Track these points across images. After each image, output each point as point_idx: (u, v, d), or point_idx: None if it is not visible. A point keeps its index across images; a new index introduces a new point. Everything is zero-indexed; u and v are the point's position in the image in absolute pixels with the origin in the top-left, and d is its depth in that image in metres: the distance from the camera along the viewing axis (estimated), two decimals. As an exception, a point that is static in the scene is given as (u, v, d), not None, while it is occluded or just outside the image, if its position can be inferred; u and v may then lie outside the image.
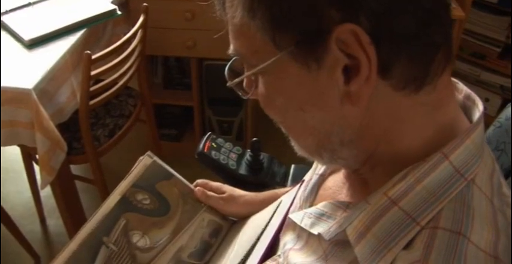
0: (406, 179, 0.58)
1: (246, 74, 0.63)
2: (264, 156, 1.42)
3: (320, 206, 0.71)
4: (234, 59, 0.69)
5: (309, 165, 0.90)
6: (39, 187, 2.07)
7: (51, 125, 1.80)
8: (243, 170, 1.37)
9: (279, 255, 0.78)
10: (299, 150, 0.69)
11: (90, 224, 0.89)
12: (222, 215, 1.04)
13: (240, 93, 0.70)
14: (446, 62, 0.58)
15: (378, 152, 0.62)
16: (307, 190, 0.83)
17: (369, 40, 0.52)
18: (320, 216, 0.70)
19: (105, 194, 2.20)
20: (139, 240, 0.93)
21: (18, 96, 1.74)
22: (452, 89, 0.64)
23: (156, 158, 0.96)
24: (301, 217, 0.75)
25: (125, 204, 0.93)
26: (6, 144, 1.87)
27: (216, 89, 2.62)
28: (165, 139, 2.84)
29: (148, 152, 0.96)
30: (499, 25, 2.62)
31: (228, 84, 0.69)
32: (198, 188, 1.03)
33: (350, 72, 0.55)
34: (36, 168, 2.46)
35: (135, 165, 0.96)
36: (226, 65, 0.71)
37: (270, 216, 0.92)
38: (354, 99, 0.56)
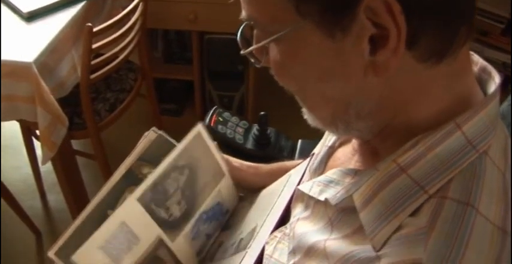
0: (417, 147, 0.57)
1: (263, 42, 0.60)
2: (271, 130, 1.41)
3: (329, 174, 0.71)
4: (244, 24, 0.67)
5: (316, 140, 0.89)
6: (40, 163, 2.05)
7: (52, 99, 1.78)
8: (250, 145, 1.36)
9: (286, 227, 0.78)
10: (313, 122, 0.67)
11: (95, 199, 0.88)
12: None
13: (253, 61, 0.67)
14: (469, 33, 0.57)
15: (393, 123, 0.61)
16: (316, 162, 0.82)
17: (401, 9, 0.50)
18: (328, 183, 0.70)
19: (106, 169, 2.21)
20: None
21: (18, 69, 1.71)
22: (470, 61, 0.63)
23: (161, 133, 0.95)
24: (310, 186, 0.74)
25: (130, 177, 0.92)
26: (5, 119, 1.85)
27: (217, 63, 2.60)
28: (165, 114, 2.83)
29: (153, 128, 0.95)
30: (503, 1, 2.59)
31: (241, 52, 0.66)
32: None
33: (376, 42, 0.53)
34: (36, 143, 2.44)
35: (140, 141, 0.94)
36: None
37: (280, 190, 0.91)
38: (379, 70, 0.55)
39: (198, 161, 0.92)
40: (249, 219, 0.94)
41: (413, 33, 0.52)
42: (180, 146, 0.87)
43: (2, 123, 2.04)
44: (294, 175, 0.92)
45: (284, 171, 0.98)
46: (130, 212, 0.82)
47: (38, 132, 1.86)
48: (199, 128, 0.91)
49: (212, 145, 0.94)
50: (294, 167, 0.96)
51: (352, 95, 0.59)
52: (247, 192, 1.05)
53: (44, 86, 1.73)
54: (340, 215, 0.65)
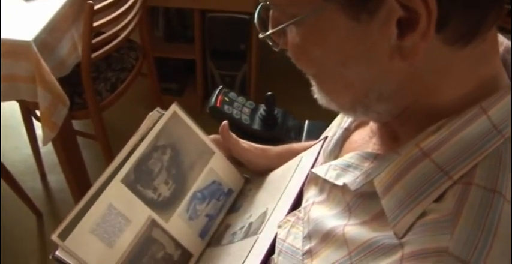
0: (440, 131, 0.55)
1: (283, 25, 0.58)
2: (278, 111, 1.39)
3: (346, 157, 0.69)
4: (261, 5, 0.64)
5: (324, 121, 0.86)
6: (41, 143, 2.03)
7: (53, 79, 1.75)
8: (256, 125, 1.34)
9: (299, 210, 0.76)
10: (328, 103, 0.65)
11: (98, 181, 0.86)
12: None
13: (271, 44, 0.64)
14: (498, 15, 0.54)
15: (414, 106, 0.59)
16: (331, 144, 0.80)
17: None
18: (346, 168, 0.68)
19: (107, 149, 2.20)
20: None
21: (18, 48, 1.69)
22: (497, 43, 0.60)
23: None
24: (326, 170, 0.72)
25: None
26: (5, 100, 1.83)
27: (219, 42, 2.57)
28: (166, 93, 2.80)
29: (158, 108, 0.93)
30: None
31: (260, 36, 0.63)
32: (224, 123, 1.00)
33: (403, 26, 0.50)
34: (36, 123, 2.42)
35: (144, 122, 0.93)
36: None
37: (291, 173, 0.89)
38: (406, 54, 0.52)
39: (180, 140, 0.92)
40: (258, 203, 0.92)
41: (444, 15, 0.49)
42: (157, 126, 0.89)
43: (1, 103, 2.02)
44: (305, 158, 0.90)
45: (293, 153, 0.96)
46: (117, 194, 0.83)
47: (38, 112, 1.84)
48: (175, 108, 0.91)
49: (193, 123, 0.94)
50: (302, 149, 0.95)
51: (374, 80, 0.57)
52: (253, 174, 1.04)
53: (44, 65, 1.71)
54: (359, 200, 0.64)
